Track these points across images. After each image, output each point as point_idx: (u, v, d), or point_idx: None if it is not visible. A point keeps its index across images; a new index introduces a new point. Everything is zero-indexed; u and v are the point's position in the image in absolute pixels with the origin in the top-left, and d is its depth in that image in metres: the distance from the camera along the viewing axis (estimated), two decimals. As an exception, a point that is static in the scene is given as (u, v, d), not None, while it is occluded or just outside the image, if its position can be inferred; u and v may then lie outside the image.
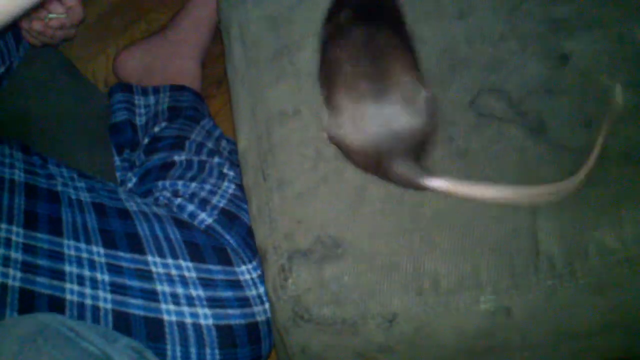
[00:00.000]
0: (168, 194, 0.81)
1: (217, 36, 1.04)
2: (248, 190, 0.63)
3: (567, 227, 0.56)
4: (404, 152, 0.54)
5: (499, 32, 0.63)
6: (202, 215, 0.78)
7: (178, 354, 0.68)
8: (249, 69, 0.65)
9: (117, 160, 0.95)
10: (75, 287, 0.67)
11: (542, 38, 0.62)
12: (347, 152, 0.56)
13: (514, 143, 0.59)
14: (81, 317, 0.66)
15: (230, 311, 0.71)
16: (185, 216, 0.78)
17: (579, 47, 0.62)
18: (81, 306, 0.67)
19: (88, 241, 0.70)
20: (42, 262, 0.67)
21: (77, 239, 0.70)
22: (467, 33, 0.63)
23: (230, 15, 0.67)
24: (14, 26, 0.85)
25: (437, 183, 0.55)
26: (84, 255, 0.69)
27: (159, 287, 0.70)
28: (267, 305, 0.72)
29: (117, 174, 0.94)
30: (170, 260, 0.71)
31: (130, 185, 0.89)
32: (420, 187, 0.55)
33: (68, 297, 0.67)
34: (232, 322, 0.71)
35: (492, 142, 0.59)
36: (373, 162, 0.55)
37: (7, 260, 0.66)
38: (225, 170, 0.87)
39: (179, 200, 0.80)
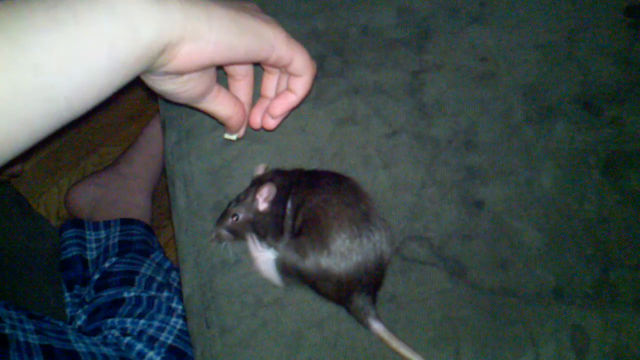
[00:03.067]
0: (117, 333, 0.83)
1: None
2: (193, 336, 0.66)
3: (489, 364, 0.61)
4: (368, 285, 0.59)
5: (420, 180, 0.69)
6: (150, 354, 0.81)
7: None
8: (193, 220, 0.69)
9: (67, 297, 0.97)
10: None
11: (459, 186, 0.69)
12: (321, 280, 0.60)
13: (437, 285, 0.64)
14: None
15: None
16: (133, 355, 0.80)
17: (492, 193, 0.68)
18: None
19: (36, 387, 0.72)
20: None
21: (25, 385, 0.71)
22: (391, 182, 0.69)
23: (175, 168, 0.72)
24: None
25: (377, 327, 0.59)
26: (32, 402, 0.70)
27: None
28: None
29: (67, 310, 0.96)
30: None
31: (79, 322, 0.90)
32: (366, 325, 0.60)
33: None
34: None
35: (416, 285, 0.64)
36: (345, 291, 0.59)
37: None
38: (174, 305, 0.89)
39: (127, 339, 0.82)
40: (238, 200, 0.64)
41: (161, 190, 1.15)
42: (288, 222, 0.61)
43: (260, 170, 0.66)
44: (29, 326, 0.79)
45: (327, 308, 0.63)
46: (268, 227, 0.63)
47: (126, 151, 1.15)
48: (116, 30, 0.43)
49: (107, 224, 1.04)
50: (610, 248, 0.66)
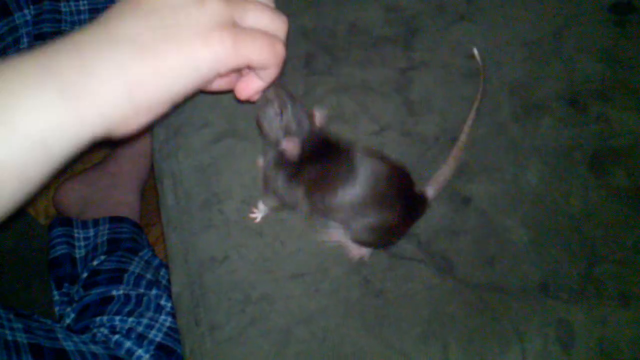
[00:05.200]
0: (106, 331, 0.83)
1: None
2: (182, 334, 0.66)
3: (476, 359, 0.61)
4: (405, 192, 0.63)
5: (408, 178, 0.70)
6: (139, 352, 0.81)
7: None
8: (181, 217, 0.69)
9: (56, 295, 0.97)
10: None
11: (447, 183, 0.69)
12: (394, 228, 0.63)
13: (424, 281, 0.64)
14: None
15: None
16: (122, 353, 0.80)
17: (479, 189, 0.69)
18: None
19: (25, 385, 0.72)
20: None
21: (13, 384, 0.71)
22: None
23: (163, 166, 0.73)
24: None
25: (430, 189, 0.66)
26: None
27: None
28: None
29: (56, 309, 0.96)
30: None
31: (68, 321, 0.90)
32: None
33: None
34: None
35: (404, 281, 0.64)
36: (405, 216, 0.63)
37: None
38: (162, 302, 0.90)
39: (116, 337, 0.82)
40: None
41: (150, 188, 1.15)
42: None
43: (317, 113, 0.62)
44: (17, 325, 0.78)
45: (315, 303, 0.63)
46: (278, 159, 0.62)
47: (114, 149, 1.15)
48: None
49: (95, 222, 1.04)
50: (596, 243, 0.66)
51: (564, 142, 0.71)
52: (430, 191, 0.65)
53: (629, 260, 0.66)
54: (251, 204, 0.67)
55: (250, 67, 0.54)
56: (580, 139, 0.71)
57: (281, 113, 0.59)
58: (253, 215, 0.67)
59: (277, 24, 0.55)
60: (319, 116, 0.62)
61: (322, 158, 0.61)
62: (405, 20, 0.79)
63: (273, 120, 0.60)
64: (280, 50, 0.54)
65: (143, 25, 0.47)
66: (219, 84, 0.57)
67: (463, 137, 0.68)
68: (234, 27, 0.50)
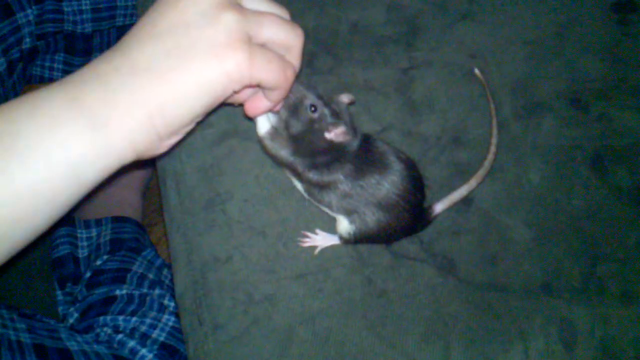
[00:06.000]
0: (109, 330, 0.83)
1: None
2: (185, 333, 0.66)
3: (478, 358, 0.61)
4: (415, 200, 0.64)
5: (410, 177, 0.70)
6: (143, 351, 0.81)
7: None
8: (184, 217, 0.69)
9: (59, 295, 0.97)
10: None
11: (448, 182, 0.69)
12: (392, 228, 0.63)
13: (426, 281, 0.65)
14: None
15: None
16: (126, 352, 0.80)
17: (481, 189, 0.69)
18: None
19: (29, 385, 0.72)
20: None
21: (18, 384, 0.72)
22: (381, 179, 0.70)
23: (166, 166, 0.73)
24: None
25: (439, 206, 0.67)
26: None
27: None
28: None
29: (59, 309, 0.96)
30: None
31: (71, 320, 0.91)
32: (433, 217, 0.67)
33: None
34: None
35: (406, 280, 0.65)
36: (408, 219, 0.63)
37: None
38: (165, 302, 0.90)
39: (119, 337, 0.82)
40: (323, 101, 0.61)
41: (153, 188, 1.15)
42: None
43: (345, 98, 0.63)
44: (21, 325, 0.79)
45: (318, 303, 0.63)
46: (307, 150, 0.61)
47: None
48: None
49: (98, 222, 1.04)
50: (598, 242, 0.67)
51: (565, 141, 0.71)
52: (439, 207, 0.66)
53: (631, 259, 0.66)
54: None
55: (260, 86, 0.55)
56: (582, 139, 0.72)
57: (314, 108, 0.60)
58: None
59: (292, 38, 0.56)
60: (346, 100, 0.63)
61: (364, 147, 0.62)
62: (407, 19, 0.79)
63: (305, 115, 0.60)
64: (290, 76, 0.55)
65: (160, 50, 0.49)
66: (232, 99, 0.58)
67: (489, 158, 0.69)
68: (250, 43, 0.51)
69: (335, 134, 0.59)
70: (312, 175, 0.62)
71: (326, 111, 0.60)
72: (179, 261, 0.69)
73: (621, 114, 0.73)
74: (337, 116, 0.60)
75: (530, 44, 0.77)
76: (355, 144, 0.61)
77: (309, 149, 0.61)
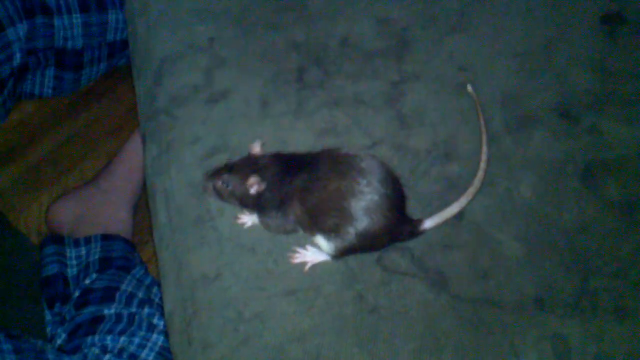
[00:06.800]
0: (97, 351, 0.82)
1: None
2: (174, 354, 0.65)
3: (471, 375, 0.61)
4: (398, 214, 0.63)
5: (401, 192, 0.69)
6: (132, 371, 0.80)
7: None
8: (174, 235, 0.69)
9: (47, 315, 0.96)
10: None
11: (439, 196, 0.69)
12: (370, 239, 0.62)
13: (418, 297, 0.64)
14: None
15: None
16: (114, 372, 0.79)
17: (472, 203, 0.68)
18: None
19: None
20: None
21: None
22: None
23: (156, 182, 0.72)
24: None
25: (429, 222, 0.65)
26: None
27: None
28: None
29: (48, 329, 0.94)
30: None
31: (59, 341, 0.89)
32: (421, 232, 0.66)
33: None
34: None
35: (398, 296, 0.64)
36: (389, 231, 0.62)
37: None
38: (155, 321, 0.88)
39: (107, 357, 0.81)
40: (232, 168, 0.64)
41: (143, 205, 1.14)
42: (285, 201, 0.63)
43: (256, 147, 0.65)
44: (7, 346, 0.77)
45: (309, 321, 0.62)
46: (256, 204, 0.64)
47: (107, 166, 1.14)
48: None
49: (87, 240, 1.03)
50: (590, 256, 0.66)
51: (556, 154, 0.71)
52: (428, 223, 0.65)
53: (623, 272, 0.65)
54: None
55: None
56: (573, 151, 0.71)
57: (224, 183, 0.64)
58: (241, 221, 0.68)
59: None
60: (257, 146, 0.65)
61: (301, 169, 0.62)
62: (396, 32, 0.79)
63: (224, 190, 0.64)
64: None
65: None
66: None
67: (479, 175, 0.68)
68: None
69: (250, 186, 0.62)
70: (276, 216, 0.64)
71: (232, 177, 0.63)
72: (168, 279, 0.68)
73: (611, 125, 0.73)
74: (243, 174, 0.63)
75: (520, 56, 0.77)
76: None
77: (257, 202, 0.64)
